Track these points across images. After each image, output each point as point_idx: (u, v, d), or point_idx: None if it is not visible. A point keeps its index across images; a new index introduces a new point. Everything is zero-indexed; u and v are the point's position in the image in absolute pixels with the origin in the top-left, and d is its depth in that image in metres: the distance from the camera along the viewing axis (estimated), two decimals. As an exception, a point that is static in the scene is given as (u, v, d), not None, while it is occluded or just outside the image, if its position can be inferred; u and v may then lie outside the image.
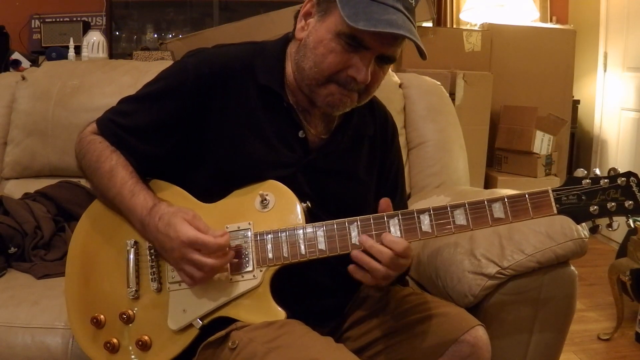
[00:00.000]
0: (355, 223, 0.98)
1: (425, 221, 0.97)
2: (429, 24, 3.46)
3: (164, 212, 0.98)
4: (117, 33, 3.88)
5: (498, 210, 0.96)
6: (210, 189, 1.05)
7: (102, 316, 1.05)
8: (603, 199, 0.95)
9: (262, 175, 1.04)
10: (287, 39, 1.11)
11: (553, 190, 0.96)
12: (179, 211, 0.97)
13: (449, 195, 1.57)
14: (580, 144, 3.96)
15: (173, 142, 1.06)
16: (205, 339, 1.00)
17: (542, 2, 3.96)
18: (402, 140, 1.67)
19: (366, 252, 0.95)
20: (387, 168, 1.21)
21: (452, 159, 1.81)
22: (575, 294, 1.22)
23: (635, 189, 0.95)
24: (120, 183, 1.02)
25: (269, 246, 0.99)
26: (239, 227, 1.01)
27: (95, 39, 2.90)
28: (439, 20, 3.81)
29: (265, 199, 1.02)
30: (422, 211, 0.97)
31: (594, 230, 0.99)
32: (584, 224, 1.05)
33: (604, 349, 2.26)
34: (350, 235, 0.98)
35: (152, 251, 1.03)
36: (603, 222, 0.97)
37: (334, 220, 0.99)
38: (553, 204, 0.95)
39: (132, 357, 1.03)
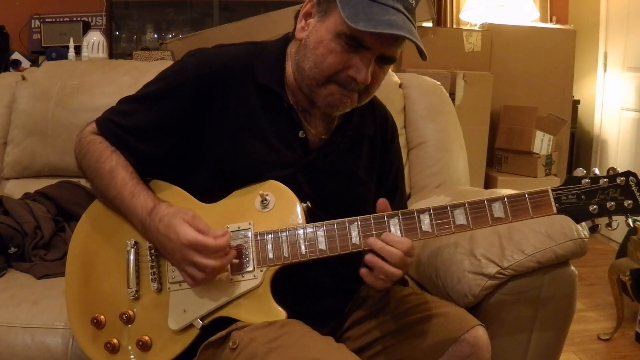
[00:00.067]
0: (356, 223, 0.98)
1: (426, 221, 0.97)
2: (429, 24, 3.46)
3: (164, 213, 0.98)
4: (117, 33, 3.88)
5: (498, 210, 0.96)
6: (210, 189, 1.05)
7: (102, 316, 1.05)
8: (602, 198, 0.95)
9: (262, 176, 1.04)
10: (287, 39, 1.11)
11: (553, 190, 0.96)
12: (179, 212, 0.97)
13: (449, 195, 1.57)
14: (580, 144, 3.96)
15: (173, 142, 1.06)
16: (206, 339, 1.00)
17: (542, 2, 3.96)
18: (402, 140, 1.67)
19: (377, 254, 0.95)
20: (387, 168, 1.21)
21: (452, 159, 1.81)
22: (575, 294, 1.22)
23: (634, 188, 0.95)
24: (120, 184, 1.02)
25: (270, 246, 0.99)
26: (239, 227, 1.01)
27: (95, 39, 2.90)
28: (439, 20, 3.81)
29: (266, 199, 1.02)
30: (422, 211, 0.98)
31: (593, 229, 0.99)
32: (583, 223, 1.05)
33: (604, 349, 2.26)
34: (350, 235, 0.98)
35: (152, 251, 1.03)
36: (602, 221, 0.97)
37: (334, 220, 0.99)
38: (553, 203, 0.95)
39: (133, 357, 1.03)
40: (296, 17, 1.07)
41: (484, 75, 3.17)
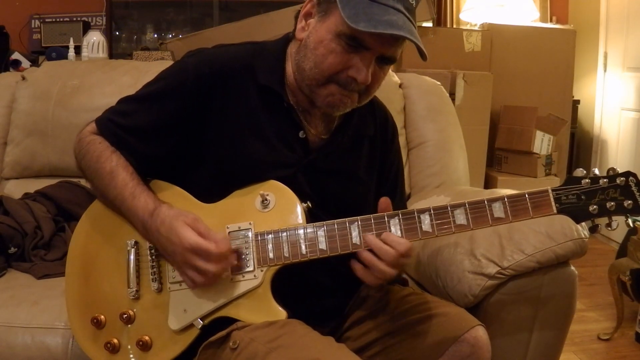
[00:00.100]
0: (356, 223, 0.98)
1: (426, 221, 0.97)
2: (429, 24, 3.46)
3: (165, 215, 0.98)
4: (117, 33, 3.88)
5: (498, 210, 0.96)
6: (210, 189, 1.05)
7: (102, 316, 1.05)
8: (602, 198, 0.95)
9: (263, 176, 1.04)
10: (288, 39, 1.11)
11: (553, 190, 0.96)
12: (180, 214, 0.97)
13: (449, 195, 1.57)
14: (580, 144, 3.96)
15: (173, 142, 1.06)
16: (206, 339, 1.00)
17: (542, 2, 3.96)
18: (402, 140, 1.67)
19: (372, 251, 0.95)
20: (387, 168, 1.21)
21: (452, 159, 1.81)
22: (575, 294, 1.22)
23: (634, 188, 0.95)
24: (121, 185, 1.02)
25: (270, 246, 0.99)
26: (239, 227, 1.01)
27: (95, 39, 2.90)
28: (439, 20, 3.81)
29: (266, 199, 1.02)
30: (422, 211, 0.98)
31: (593, 229, 0.99)
32: (583, 223, 1.05)
33: (604, 349, 2.26)
34: (350, 235, 0.98)
35: (152, 251, 1.03)
36: (602, 221, 0.97)
37: (335, 220, 0.99)
38: (553, 203, 0.95)
39: (133, 357, 1.03)
40: (296, 17, 1.07)
41: (484, 75, 3.17)
